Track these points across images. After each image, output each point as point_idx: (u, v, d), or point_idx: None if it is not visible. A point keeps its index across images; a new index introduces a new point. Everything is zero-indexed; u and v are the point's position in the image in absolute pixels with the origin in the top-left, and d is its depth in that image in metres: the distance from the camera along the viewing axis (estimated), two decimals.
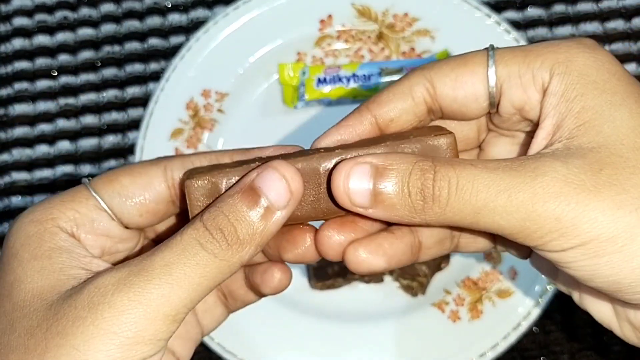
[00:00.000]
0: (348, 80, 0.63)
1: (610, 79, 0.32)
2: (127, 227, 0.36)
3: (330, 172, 0.33)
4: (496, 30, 0.62)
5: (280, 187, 0.32)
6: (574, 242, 0.30)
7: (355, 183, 0.32)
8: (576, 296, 0.37)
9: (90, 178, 0.36)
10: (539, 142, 0.33)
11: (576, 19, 0.66)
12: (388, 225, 0.35)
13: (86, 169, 0.64)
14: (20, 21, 0.68)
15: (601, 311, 0.36)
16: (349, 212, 0.34)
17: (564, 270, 0.32)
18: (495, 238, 0.37)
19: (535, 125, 0.34)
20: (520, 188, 0.30)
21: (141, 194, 0.35)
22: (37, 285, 0.31)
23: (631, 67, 0.64)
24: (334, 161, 0.34)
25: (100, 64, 0.67)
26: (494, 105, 0.34)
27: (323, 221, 0.35)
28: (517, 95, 0.33)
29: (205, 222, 0.31)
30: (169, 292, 0.30)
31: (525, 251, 0.37)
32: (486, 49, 0.34)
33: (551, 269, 0.37)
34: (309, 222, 0.35)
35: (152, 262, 0.31)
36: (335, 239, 0.34)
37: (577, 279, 0.32)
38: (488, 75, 0.33)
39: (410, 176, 0.32)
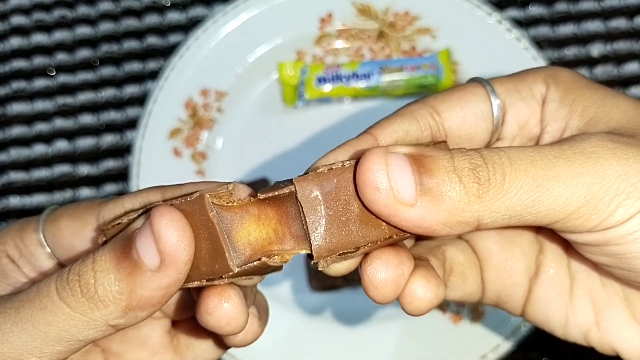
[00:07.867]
0: (348, 79, 0.62)
1: (594, 82, 0.33)
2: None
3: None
4: (497, 28, 0.62)
5: (149, 244, 0.26)
6: None
7: (397, 174, 0.27)
8: (595, 334, 0.34)
9: (57, 206, 0.33)
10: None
11: (578, 17, 0.65)
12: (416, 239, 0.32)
13: (84, 168, 0.64)
14: (17, 20, 0.67)
15: (629, 339, 0.33)
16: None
17: (623, 255, 0.29)
18: (484, 288, 0.36)
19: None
20: (574, 150, 0.28)
21: (70, 240, 0.32)
22: None
23: (634, 65, 0.64)
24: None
25: (98, 63, 0.66)
26: (498, 125, 0.33)
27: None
28: (521, 108, 0.33)
29: (72, 266, 0.28)
30: (10, 331, 0.27)
31: (518, 305, 0.36)
32: (472, 79, 0.33)
33: (558, 315, 0.35)
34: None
35: (17, 296, 0.28)
36: (388, 276, 0.28)
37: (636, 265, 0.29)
38: (488, 92, 0.32)
39: (454, 159, 0.27)
